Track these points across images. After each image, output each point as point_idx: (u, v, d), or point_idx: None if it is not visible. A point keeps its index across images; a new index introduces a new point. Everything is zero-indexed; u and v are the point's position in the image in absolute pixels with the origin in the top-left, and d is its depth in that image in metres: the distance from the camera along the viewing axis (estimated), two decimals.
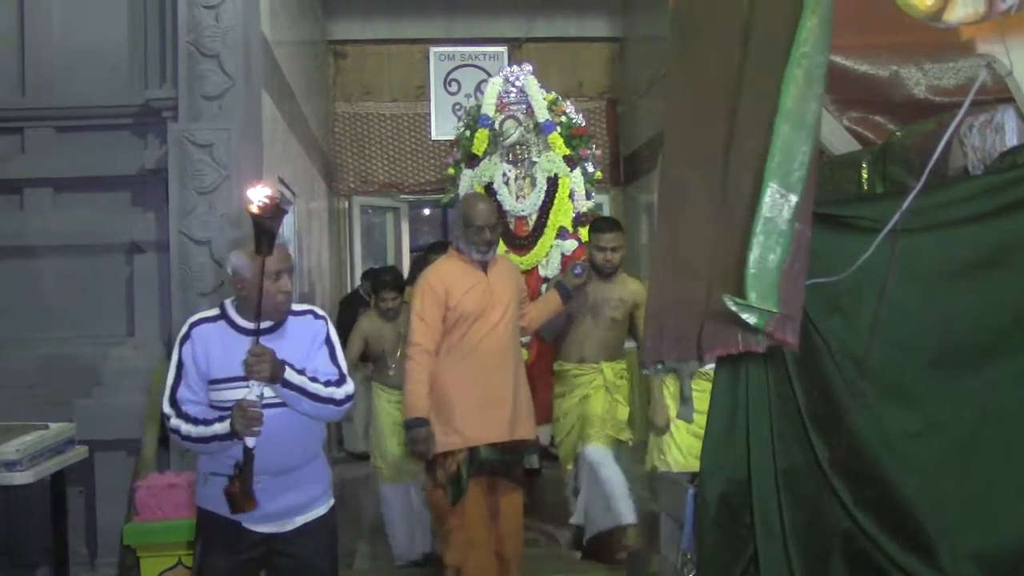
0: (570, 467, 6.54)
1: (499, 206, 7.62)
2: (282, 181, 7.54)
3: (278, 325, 3.83)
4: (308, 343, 3.88)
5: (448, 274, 5.28)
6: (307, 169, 9.29)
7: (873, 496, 2.93)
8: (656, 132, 9.69)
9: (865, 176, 3.69)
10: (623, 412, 6.32)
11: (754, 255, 2.61)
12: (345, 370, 3.95)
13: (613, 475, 6.10)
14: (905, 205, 2.87)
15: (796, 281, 2.63)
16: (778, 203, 2.61)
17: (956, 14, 2.74)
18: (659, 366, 3.23)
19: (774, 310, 2.58)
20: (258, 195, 3.54)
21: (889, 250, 2.88)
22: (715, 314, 2.88)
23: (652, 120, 10.12)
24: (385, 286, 6.90)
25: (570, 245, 7.91)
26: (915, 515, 2.86)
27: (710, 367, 3.76)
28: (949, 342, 2.95)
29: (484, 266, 5.30)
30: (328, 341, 3.95)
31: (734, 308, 2.59)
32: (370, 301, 8.57)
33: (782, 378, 3.09)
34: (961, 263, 2.98)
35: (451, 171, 8.50)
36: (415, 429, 5.10)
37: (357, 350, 6.75)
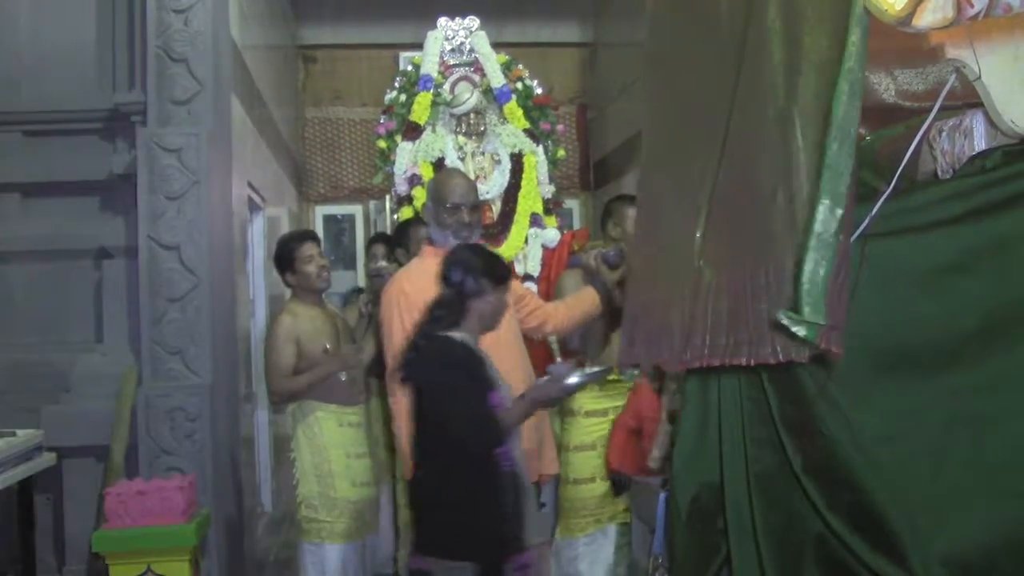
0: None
1: None
2: (251, 186, 7.51)
3: None
4: None
5: (426, 278, 4.16)
6: (276, 174, 9.25)
7: (845, 500, 2.93)
8: (627, 137, 9.72)
9: None
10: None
11: (808, 270, 2.70)
12: None
13: None
14: (875, 210, 2.89)
15: (840, 292, 2.73)
16: (828, 219, 2.71)
17: (925, 19, 2.76)
18: (635, 370, 3.23)
19: (822, 323, 2.68)
20: None
21: (859, 254, 2.88)
22: (736, 321, 2.93)
23: (623, 125, 10.13)
24: (308, 239, 5.39)
25: (551, 235, 6.73)
26: (886, 519, 2.87)
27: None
28: (918, 347, 2.96)
29: None
30: None
31: (787, 322, 2.69)
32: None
33: (754, 382, 3.09)
34: (929, 267, 2.98)
35: (382, 144, 7.00)
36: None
37: (290, 360, 5.07)
